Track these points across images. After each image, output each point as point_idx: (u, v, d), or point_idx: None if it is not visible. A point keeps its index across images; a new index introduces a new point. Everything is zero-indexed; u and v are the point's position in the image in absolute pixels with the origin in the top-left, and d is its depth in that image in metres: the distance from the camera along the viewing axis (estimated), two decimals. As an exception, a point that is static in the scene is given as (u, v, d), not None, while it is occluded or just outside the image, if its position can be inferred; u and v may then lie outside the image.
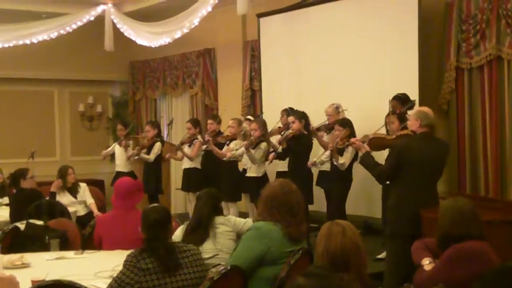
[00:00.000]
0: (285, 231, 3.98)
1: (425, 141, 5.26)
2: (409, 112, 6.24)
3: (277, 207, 4.01)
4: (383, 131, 6.52)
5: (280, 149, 7.66)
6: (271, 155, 7.82)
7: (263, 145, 7.87)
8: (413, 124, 5.37)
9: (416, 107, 6.60)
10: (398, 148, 5.33)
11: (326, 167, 7.48)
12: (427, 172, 5.24)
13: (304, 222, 4.14)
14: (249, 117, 8.87)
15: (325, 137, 7.66)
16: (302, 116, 7.52)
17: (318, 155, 7.45)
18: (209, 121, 9.03)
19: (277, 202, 4.02)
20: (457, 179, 7.53)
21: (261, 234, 3.97)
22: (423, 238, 4.40)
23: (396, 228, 5.29)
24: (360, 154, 5.78)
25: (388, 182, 5.88)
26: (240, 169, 8.45)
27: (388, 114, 6.70)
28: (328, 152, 7.21)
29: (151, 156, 9.24)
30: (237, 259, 3.94)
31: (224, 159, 8.22)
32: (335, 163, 7.01)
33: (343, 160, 6.99)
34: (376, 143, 5.81)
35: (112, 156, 10.03)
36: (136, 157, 9.36)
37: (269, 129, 8.13)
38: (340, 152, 7.00)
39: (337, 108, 7.64)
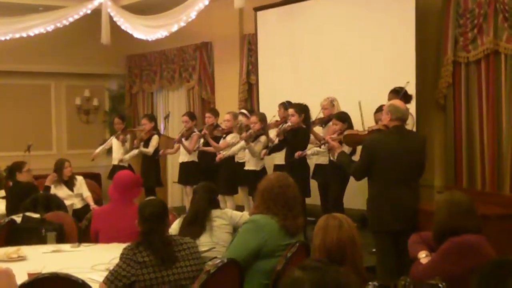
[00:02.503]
0: (281, 224, 3.99)
1: (397, 135, 5.18)
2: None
3: (273, 200, 4.02)
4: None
5: (276, 140, 7.64)
6: (263, 152, 7.80)
7: (263, 138, 7.86)
8: (384, 118, 5.31)
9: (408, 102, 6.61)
10: (367, 143, 5.26)
11: (323, 160, 7.47)
12: (401, 167, 5.13)
13: (301, 216, 4.15)
14: (243, 111, 8.86)
15: (321, 131, 7.66)
16: (302, 110, 7.43)
17: (309, 147, 7.42)
18: (207, 115, 9.01)
19: (274, 195, 4.03)
20: (453, 173, 7.54)
21: (257, 227, 3.98)
22: (419, 232, 4.41)
23: (376, 225, 5.25)
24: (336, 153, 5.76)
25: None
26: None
27: (376, 112, 6.74)
28: (311, 151, 7.20)
29: (150, 149, 9.24)
30: (234, 252, 3.95)
31: (219, 155, 8.21)
32: (331, 158, 6.96)
33: None
34: (350, 139, 5.82)
35: (109, 149, 10.02)
36: (136, 151, 9.34)
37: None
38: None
39: (332, 102, 7.63)
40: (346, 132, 5.92)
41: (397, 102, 5.41)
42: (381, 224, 5.19)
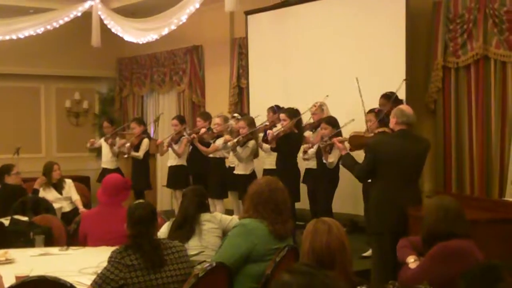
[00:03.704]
0: (270, 229, 3.98)
1: (402, 139, 5.26)
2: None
3: (263, 204, 4.01)
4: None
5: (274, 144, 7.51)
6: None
7: (251, 143, 7.80)
8: (391, 122, 5.42)
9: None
10: (371, 146, 5.33)
11: (313, 165, 7.46)
12: (405, 170, 5.21)
13: (290, 220, 4.15)
14: (235, 115, 8.84)
15: (311, 136, 7.66)
16: (294, 114, 7.41)
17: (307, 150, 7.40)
18: (198, 119, 8.97)
19: (263, 199, 4.02)
20: (442, 178, 7.56)
21: (246, 231, 3.97)
22: (408, 236, 4.42)
23: (377, 227, 5.29)
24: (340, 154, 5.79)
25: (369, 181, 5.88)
26: (226, 166, 8.45)
27: (367, 112, 6.80)
28: (314, 149, 7.18)
29: (140, 153, 9.22)
30: (223, 256, 3.94)
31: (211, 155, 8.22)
32: (324, 161, 6.96)
33: (332, 158, 6.92)
34: (355, 141, 5.85)
35: (99, 152, 10.01)
36: (126, 156, 9.36)
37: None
38: (329, 150, 6.96)
39: (321, 106, 7.62)
40: (351, 134, 5.94)
41: (404, 107, 5.54)
42: (382, 225, 5.22)
